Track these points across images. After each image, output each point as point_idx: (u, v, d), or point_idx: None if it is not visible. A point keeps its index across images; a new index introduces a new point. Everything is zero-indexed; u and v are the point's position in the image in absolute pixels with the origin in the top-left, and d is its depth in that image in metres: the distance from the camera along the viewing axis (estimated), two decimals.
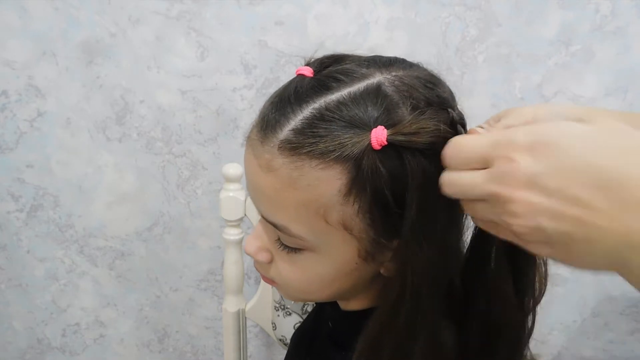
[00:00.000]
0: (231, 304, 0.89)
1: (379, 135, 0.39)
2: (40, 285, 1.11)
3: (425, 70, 0.45)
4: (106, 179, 1.02)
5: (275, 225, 0.44)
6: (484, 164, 0.34)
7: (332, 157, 0.39)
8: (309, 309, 0.86)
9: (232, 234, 0.84)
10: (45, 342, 1.18)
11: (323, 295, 0.50)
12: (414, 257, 0.42)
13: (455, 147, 0.37)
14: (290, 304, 0.86)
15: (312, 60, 0.46)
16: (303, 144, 0.40)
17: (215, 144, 0.98)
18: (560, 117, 0.36)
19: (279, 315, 0.87)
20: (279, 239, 0.46)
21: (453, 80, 0.91)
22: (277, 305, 0.87)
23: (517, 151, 0.32)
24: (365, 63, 0.44)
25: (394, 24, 0.89)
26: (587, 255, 0.31)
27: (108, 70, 0.93)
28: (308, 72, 0.44)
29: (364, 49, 0.88)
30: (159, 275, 1.10)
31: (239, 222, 0.84)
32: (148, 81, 0.93)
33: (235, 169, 0.81)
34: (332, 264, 0.45)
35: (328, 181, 0.40)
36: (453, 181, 0.37)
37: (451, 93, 0.46)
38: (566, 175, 0.31)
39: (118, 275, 1.11)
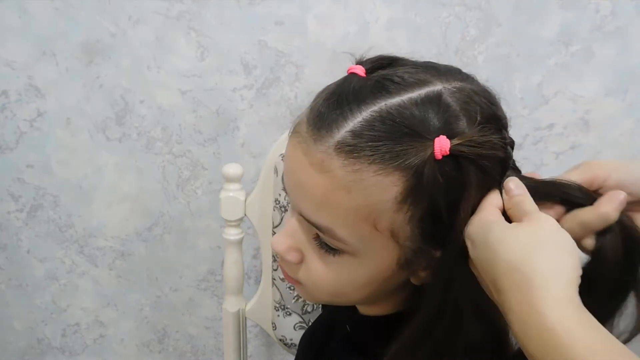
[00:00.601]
0: (231, 304, 0.89)
1: (443, 145, 0.38)
2: (40, 285, 1.11)
3: (480, 84, 0.45)
4: (106, 179, 1.02)
5: (318, 227, 0.43)
6: None
7: (393, 164, 0.39)
8: (309, 309, 0.86)
9: (232, 234, 0.84)
10: (45, 342, 1.18)
11: (350, 299, 0.49)
12: (459, 267, 0.42)
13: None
14: (290, 304, 0.86)
15: (365, 59, 0.45)
16: (363, 148, 0.39)
17: (215, 144, 0.98)
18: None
19: (279, 315, 0.87)
20: (317, 236, 0.45)
21: None
22: (277, 305, 0.87)
23: (468, 242, 0.41)
24: (423, 69, 0.43)
25: (394, 24, 0.89)
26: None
27: (108, 70, 0.93)
28: (360, 71, 0.43)
29: (364, 49, 0.88)
30: (159, 275, 1.10)
31: (239, 222, 0.84)
32: (148, 81, 0.93)
33: (235, 169, 0.81)
34: (368, 269, 0.44)
35: (385, 188, 0.39)
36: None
37: (504, 112, 0.45)
38: (482, 266, 0.40)
39: (118, 275, 1.11)
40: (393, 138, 0.39)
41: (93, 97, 0.95)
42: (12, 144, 0.98)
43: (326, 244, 0.44)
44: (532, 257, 0.37)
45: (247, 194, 0.83)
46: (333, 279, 0.46)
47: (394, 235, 0.42)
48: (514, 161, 0.44)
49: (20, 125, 0.97)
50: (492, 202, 0.42)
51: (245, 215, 0.83)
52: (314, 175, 0.41)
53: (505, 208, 0.42)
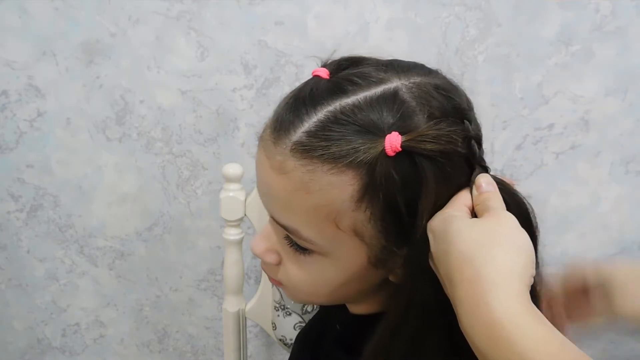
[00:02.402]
0: (231, 304, 0.89)
1: (393, 142, 0.38)
2: (40, 285, 1.11)
3: (444, 78, 0.45)
4: (106, 179, 1.02)
5: (285, 228, 0.44)
6: None
7: (345, 162, 0.39)
8: (309, 309, 0.86)
9: (232, 234, 0.84)
10: (45, 342, 1.18)
11: (330, 298, 0.50)
12: (424, 265, 0.42)
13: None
14: (290, 304, 0.86)
15: (329, 61, 0.46)
16: (316, 147, 0.39)
17: (215, 144, 0.98)
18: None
19: (279, 315, 0.87)
20: (287, 236, 0.45)
21: (453, 80, 0.92)
22: (277, 305, 0.87)
23: (430, 234, 0.41)
24: (384, 67, 0.43)
25: (394, 24, 0.89)
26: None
27: (108, 70, 0.93)
28: (324, 73, 0.44)
29: (364, 49, 0.88)
30: (159, 275, 1.10)
31: (239, 222, 0.84)
32: (148, 81, 0.93)
33: (235, 169, 0.81)
34: (341, 268, 0.45)
35: (340, 186, 0.40)
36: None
37: (469, 103, 0.45)
38: (438, 258, 0.40)
39: (118, 275, 1.11)
40: (346, 137, 0.39)
41: (93, 97, 0.95)
42: (12, 144, 0.98)
43: (296, 244, 0.45)
44: (485, 251, 0.37)
45: (247, 194, 0.83)
46: (307, 279, 0.46)
47: (357, 234, 0.42)
48: (482, 159, 0.44)
49: (20, 125, 0.97)
50: (461, 199, 0.42)
51: (245, 215, 0.83)
52: (275, 177, 0.42)
53: (474, 204, 0.42)
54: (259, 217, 0.84)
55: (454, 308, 0.38)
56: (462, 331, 0.37)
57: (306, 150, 0.40)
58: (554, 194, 1.01)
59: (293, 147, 0.40)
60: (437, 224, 0.40)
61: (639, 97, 0.94)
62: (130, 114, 0.96)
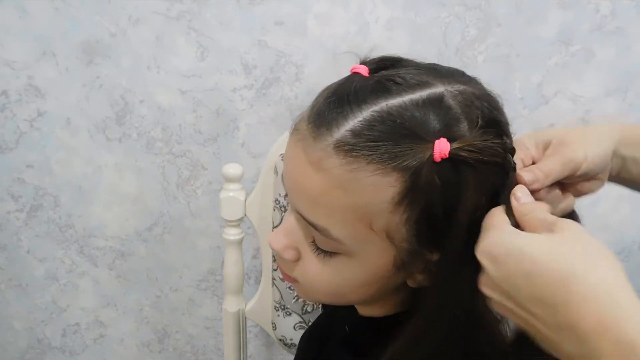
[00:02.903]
0: (231, 304, 0.89)
1: (443, 148, 0.38)
2: (40, 285, 1.11)
3: (483, 88, 0.44)
4: (106, 179, 1.02)
5: (314, 226, 0.43)
6: None
7: (391, 164, 0.38)
8: (309, 309, 0.86)
9: (232, 234, 0.84)
10: (45, 342, 1.18)
11: (346, 299, 0.49)
12: (455, 271, 0.42)
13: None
14: (290, 304, 0.86)
15: (368, 59, 0.45)
16: (362, 147, 0.39)
17: (215, 144, 0.98)
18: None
19: (279, 315, 0.87)
20: (314, 240, 0.45)
21: None
22: (277, 305, 0.87)
23: (488, 260, 0.38)
24: (425, 70, 0.43)
25: (394, 24, 0.89)
26: (537, 340, 0.38)
27: (108, 70, 0.93)
28: (364, 71, 0.43)
29: (364, 49, 0.88)
30: (159, 275, 1.10)
31: (239, 222, 0.84)
32: (148, 81, 0.93)
33: (235, 169, 0.81)
34: (364, 270, 0.44)
35: (382, 188, 0.39)
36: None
37: (506, 117, 0.45)
38: (515, 282, 0.36)
39: (118, 275, 1.11)
40: (392, 139, 0.38)
41: (93, 97, 0.95)
42: (12, 144, 0.98)
43: (322, 249, 0.44)
44: (590, 267, 0.34)
45: (247, 194, 0.83)
46: (328, 279, 0.46)
47: (389, 236, 0.41)
48: (514, 168, 0.43)
49: (20, 125, 0.97)
50: (498, 217, 0.40)
51: (245, 215, 0.83)
52: (312, 173, 0.41)
53: (517, 216, 0.40)
54: (259, 217, 0.84)
55: (542, 330, 0.36)
56: (558, 353, 0.35)
57: (351, 149, 0.39)
58: None
59: (337, 145, 0.39)
60: (493, 247, 0.38)
61: (639, 97, 0.94)
62: (130, 114, 0.96)
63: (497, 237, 0.38)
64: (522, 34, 0.90)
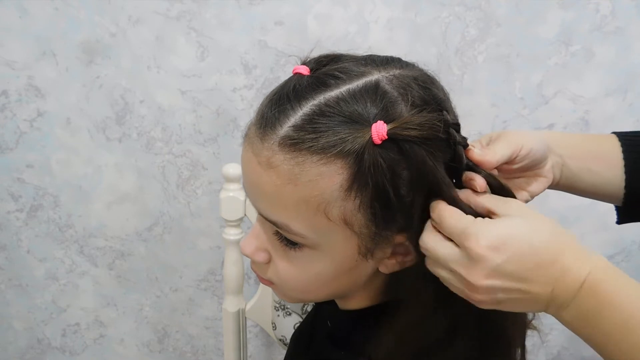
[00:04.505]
0: (231, 304, 0.89)
1: (380, 130, 0.39)
2: (40, 285, 1.11)
3: (420, 70, 0.46)
4: (106, 179, 1.02)
5: (275, 224, 0.45)
6: (457, 242, 0.41)
7: (333, 152, 0.40)
8: (309, 308, 0.86)
9: (232, 234, 0.84)
10: (45, 342, 1.18)
11: (321, 294, 0.50)
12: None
13: (437, 217, 0.42)
14: (290, 304, 0.86)
15: (309, 59, 0.47)
16: (304, 140, 0.40)
17: (215, 144, 0.98)
18: (536, 144, 0.50)
19: (279, 315, 0.88)
20: (277, 231, 0.46)
21: (453, 80, 0.92)
22: (277, 305, 0.87)
23: (483, 249, 0.40)
24: (362, 62, 0.45)
25: (394, 24, 0.89)
26: (526, 308, 0.43)
27: (108, 70, 0.93)
28: (305, 70, 0.45)
29: (364, 49, 0.88)
30: (159, 275, 1.10)
31: (239, 222, 0.84)
32: (148, 81, 0.93)
33: (235, 169, 0.81)
34: (331, 261, 0.45)
35: (329, 176, 0.41)
36: (431, 248, 0.42)
37: (446, 94, 0.46)
38: (519, 260, 0.40)
39: (118, 275, 1.11)
40: (332, 128, 0.40)
41: (93, 97, 0.95)
42: (12, 144, 0.98)
43: (286, 239, 0.46)
44: (562, 241, 0.41)
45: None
46: (299, 275, 0.47)
47: (347, 223, 0.43)
48: (464, 138, 0.44)
49: (20, 125, 0.97)
50: (466, 218, 0.42)
51: (245, 215, 0.83)
52: (263, 173, 0.43)
53: (477, 205, 0.43)
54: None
55: (550, 303, 0.40)
56: (567, 322, 0.40)
57: (294, 143, 0.41)
58: (554, 193, 1.00)
59: (281, 142, 0.41)
60: (492, 240, 0.40)
61: (639, 97, 0.94)
62: (130, 114, 0.96)
63: (485, 231, 0.41)
64: (522, 34, 0.90)
